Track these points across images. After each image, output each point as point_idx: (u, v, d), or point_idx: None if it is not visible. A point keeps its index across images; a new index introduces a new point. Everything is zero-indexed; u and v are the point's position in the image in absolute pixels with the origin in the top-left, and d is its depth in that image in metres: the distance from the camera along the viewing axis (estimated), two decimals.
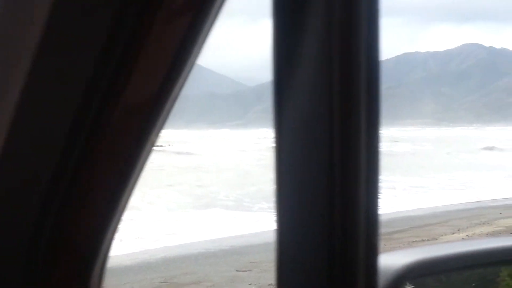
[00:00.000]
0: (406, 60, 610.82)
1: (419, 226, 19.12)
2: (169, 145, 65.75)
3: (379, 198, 1.02)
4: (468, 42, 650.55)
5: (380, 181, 0.98)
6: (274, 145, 0.91)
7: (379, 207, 1.02)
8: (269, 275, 13.20)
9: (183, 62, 1.16)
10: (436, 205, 27.54)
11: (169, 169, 42.52)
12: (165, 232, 20.04)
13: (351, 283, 0.96)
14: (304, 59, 0.88)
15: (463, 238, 15.56)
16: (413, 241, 15.57)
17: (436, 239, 15.61)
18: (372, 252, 0.98)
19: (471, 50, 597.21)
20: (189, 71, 1.17)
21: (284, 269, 0.94)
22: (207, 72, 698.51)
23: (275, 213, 0.93)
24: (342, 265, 0.94)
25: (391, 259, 1.69)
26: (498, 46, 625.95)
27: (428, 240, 15.62)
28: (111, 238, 1.13)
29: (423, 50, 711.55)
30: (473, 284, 1.50)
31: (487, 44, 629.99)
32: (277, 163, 0.91)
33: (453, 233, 16.58)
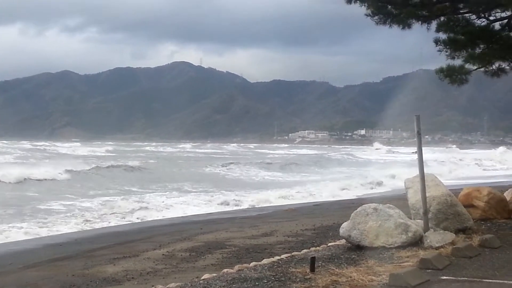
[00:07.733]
0: (117, 75, 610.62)
1: (123, 243, 19.09)
2: None
3: None
4: (178, 60, 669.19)
5: None
6: None
7: None
8: None
9: None
10: (141, 221, 27.91)
11: None
12: None
13: None
14: None
15: (163, 254, 15.86)
16: (115, 258, 15.48)
17: (138, 256, 15.71)
18: None
19: (181, 69, 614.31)
20: None
21: None
22: None
23: None
24: None
25: None
26: (206, 66, 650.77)
27: (129, 256, 15.65)
28: None
29: (135, 66, 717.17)
30: None
31: (196, 63, 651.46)
32: None
33: (155, 249, 16.81)
